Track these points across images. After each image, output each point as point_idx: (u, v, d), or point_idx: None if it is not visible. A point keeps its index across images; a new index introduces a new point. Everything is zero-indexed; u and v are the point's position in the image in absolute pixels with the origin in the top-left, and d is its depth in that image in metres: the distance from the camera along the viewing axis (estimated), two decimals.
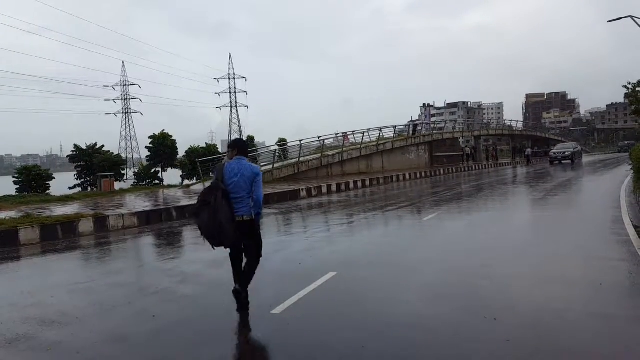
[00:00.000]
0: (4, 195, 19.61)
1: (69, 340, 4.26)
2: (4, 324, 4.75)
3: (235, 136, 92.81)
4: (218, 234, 4.53)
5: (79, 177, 32.22)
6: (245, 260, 4.86)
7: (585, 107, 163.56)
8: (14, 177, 28.28)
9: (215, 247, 4.72)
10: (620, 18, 23.39)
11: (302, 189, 18.55)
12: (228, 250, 4.82)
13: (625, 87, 25.84)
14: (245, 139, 30.02)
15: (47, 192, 26.20)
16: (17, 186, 27.40)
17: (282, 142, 30.14)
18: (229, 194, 4.61)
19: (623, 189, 14.67)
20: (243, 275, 4.80)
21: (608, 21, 24.97)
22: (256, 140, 48.77)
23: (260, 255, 4.94)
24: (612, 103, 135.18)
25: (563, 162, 35.09)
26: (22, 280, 7.04)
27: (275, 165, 24.07)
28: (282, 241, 9.08)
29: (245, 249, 4.85)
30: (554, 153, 37.24)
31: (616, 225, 8.64)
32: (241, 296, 4.71)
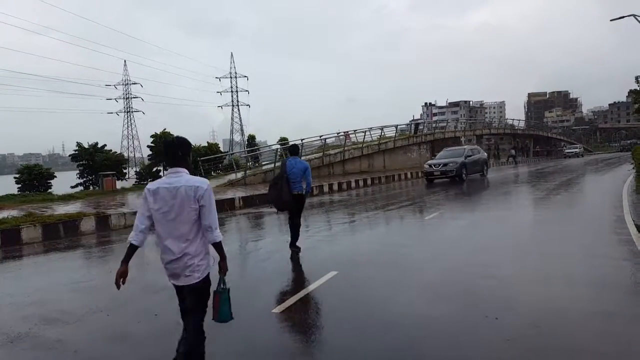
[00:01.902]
0: (7, 194, 19.66)
1: (70, 338, 4.27)
2: (6, 323, 4.77)
3: (236, 135, 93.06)
4: (282, 203, 7.34)
5: (81, 176, 32.26)
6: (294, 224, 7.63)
7: (588, 106, 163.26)
8: (15, 177, 28.31)
9: (278, 212, 8.34)
10: (622, 17, 23.33)
11: None
12: (230, 251, 4.98)
13: (636, 80, 25.72)
14: (246, 138, 30.19)
15: (49, 191, 26.24)
16: (19, 185, 27.44)
17: (283, 141, 30.12)
18: (289, 179, 7.29)
19: (625, 188, 14.63)
20: (292, 234, 7.61)
21: (610, 20, 24.92)
22: (257, 139, 48.50)
23: (300, 216, 7.76)
24: (615, 102, 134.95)
25: (449, 176, 21.48)
26: (24, 279, 7.06)
27: (277, 165, 24.07)
28: (284, 240, 9.07)
29: (294, 212, 7.57)
30: (430, 165, 22.25)
31: (618, 225, 8.62)
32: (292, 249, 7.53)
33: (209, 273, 3.26)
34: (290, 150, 7.94)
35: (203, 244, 3.19)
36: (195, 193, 3.08)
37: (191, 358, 3.30)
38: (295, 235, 7.61)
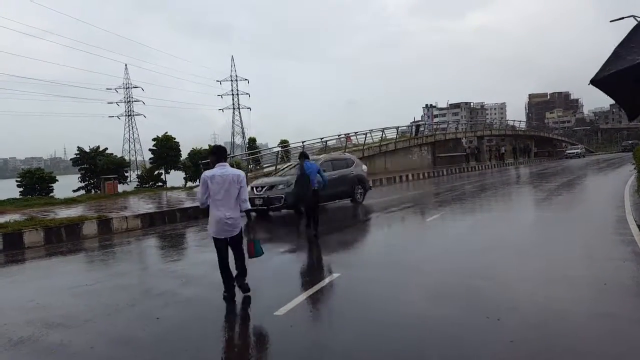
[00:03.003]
0: (9, 198, 19.71)
1: (73, 342, 4.27)
2: (8, 327, 4.77)
3: (237, 138, 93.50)
4: (305, 196, 9.13)
5: (82, 180, 32.29)
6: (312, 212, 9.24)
7: (589, 106, 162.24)
8: (17, 180, 28.35)
9: (302, 207, 10.02)
10: (622, 18, 23.28)
11: None
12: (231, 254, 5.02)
13: None
14: (247, 140, 30.34)
15: (51, 194, 26.26)
16: (21, 189, 27.48)
17: (284, 144, 30.15)
18: (310, 178, 9.06)
19: (627, 189, 14.61)
20: (313, 220, 9.17)
21: (610, 21, 24.90)
22: (258, 142, 48.49)
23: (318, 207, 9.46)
24: (616, 103, 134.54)
25: (273, 208, 12.94)
26: (27, 283, 7.06)
27: (278, 167, 24.08)
28: (286, 242, 9.08)
29: (314, 205, 9.24)
30: (254, 187, 13.27)
31: (620, 225, 8.61)
32: (312, 232, 9.11)
33: (242, 228, 5.30)
34: (305, 155, 9.79)
35: (239, 212, 5.21)
36: (238, 179, 5.17)
37: (243, 272, 5.37)
38: (315, 219, 9.23)
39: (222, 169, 5.16)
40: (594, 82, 2.57)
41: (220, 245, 5.25)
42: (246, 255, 5.39)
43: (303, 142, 26.06)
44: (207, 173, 5.17)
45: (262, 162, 29.24)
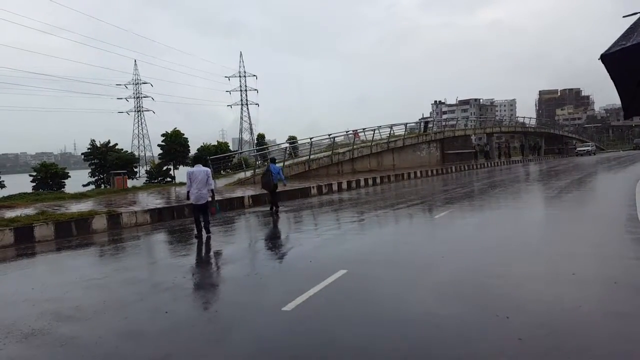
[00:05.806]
0: (20, 193, 19.91)
1: (83, 335, 4.33)
2: (20, 319, 4.84)
3: (245, 134, 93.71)
4: (269, 186, 13.32)
5: (92, 175, 32.66)
6: (272, 198, 13.45)
7: (600, 103, 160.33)
8: (30, 175, 28.75)
9: (268, 192, 13.57)
10: (635, 13, 22.97)
11: (313, 187, 18.56)
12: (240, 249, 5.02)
13: None
14: (255, 136, 30.43)
15: (62, 189, 26.57)
16: (34, 183, 27.83)
17: (292, 140, 30.16)
18: (272, 174, 13.17)
19: (638, 187, 14.45)
20: (274, 200, 13.35)
21: (623, 16, 24.55)
22: (267, 138, 48.60)
23: (277, 194, 13.74)
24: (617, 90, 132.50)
25: None
26: (38, 276, 7.15)
27: (286, 163, 24.13)
28: (293, 238, 9.10)
29: (273, 192, 13.41)
30: None
31: (631, 224, 8.52)
32: (273, 209, 13.23)
33: (208, 199, 9.56)
34: (273, 160, 14.58)
35: (208, 190, 9.48)
36: (207, 172, 9.50)
37: (207, 224, 9.55)
38: (276, 205, 13.34)
39: (198, 168, 9.50)
40: (604, 57, 2.41)
41: (195, 208, 9.41)
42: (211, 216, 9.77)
43: (311, 139, 26.05)
44: (189, 169, 9.31)
45: (269, 158, 29.29)
